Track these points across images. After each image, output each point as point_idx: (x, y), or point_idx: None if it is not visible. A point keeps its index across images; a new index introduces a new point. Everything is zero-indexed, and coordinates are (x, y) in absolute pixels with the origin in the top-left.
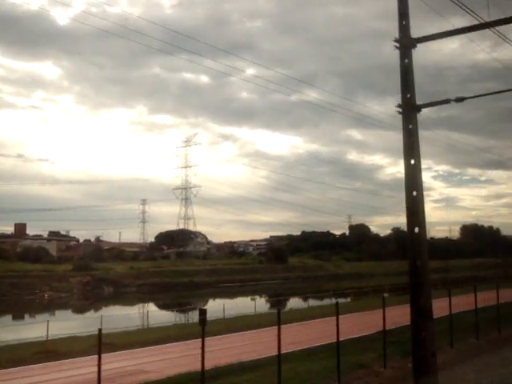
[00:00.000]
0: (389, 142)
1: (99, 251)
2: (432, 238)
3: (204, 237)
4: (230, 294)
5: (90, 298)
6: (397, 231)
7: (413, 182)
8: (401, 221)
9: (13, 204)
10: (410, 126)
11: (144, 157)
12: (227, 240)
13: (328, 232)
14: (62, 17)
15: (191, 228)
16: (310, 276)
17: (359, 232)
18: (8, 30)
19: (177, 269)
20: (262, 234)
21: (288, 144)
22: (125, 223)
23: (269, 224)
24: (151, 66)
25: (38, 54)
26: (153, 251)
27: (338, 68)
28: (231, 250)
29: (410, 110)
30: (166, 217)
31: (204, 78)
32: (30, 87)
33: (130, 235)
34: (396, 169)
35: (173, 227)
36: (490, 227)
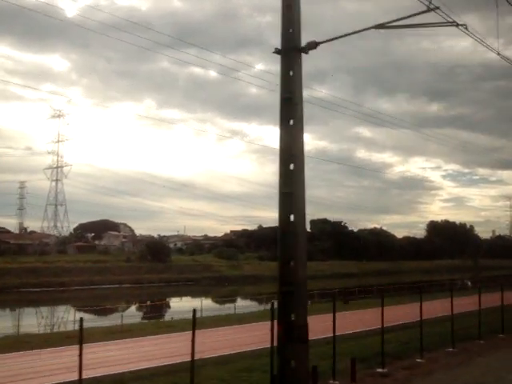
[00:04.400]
0: (398, 140)
1: None
2: (387, 236)
3: (130, 230)
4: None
5: None
6: (334, 226)
7: (290, 151)
8: (409, 220)
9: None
10: (291, 73)
11: (152, 151)
12: None
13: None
14: (70, 9)
15: (61, 213)
16: (181, 279)
17: (319, 227)
18: (16, 22)
19: None
20: None
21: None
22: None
23: (275, 221)
24: (160, 60)
25: (47, 46)
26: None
27: (347, 64)
28: None
29: (291, 50)
30: None
31: (213, 73)
32: (38, 80)
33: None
34: (405, 167)
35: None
36: (463, 225)
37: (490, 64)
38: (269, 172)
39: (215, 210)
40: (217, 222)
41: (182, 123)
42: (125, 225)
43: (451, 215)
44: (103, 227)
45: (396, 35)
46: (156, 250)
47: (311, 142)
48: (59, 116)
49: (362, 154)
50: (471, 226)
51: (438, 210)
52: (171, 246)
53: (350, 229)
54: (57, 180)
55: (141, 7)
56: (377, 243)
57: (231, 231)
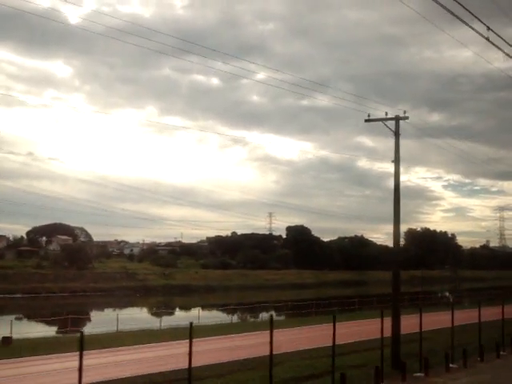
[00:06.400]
0: (400, 150)
1: None
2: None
3: (87, 234)
4: None
5: None
6: (296, 231)
7: None
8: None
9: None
10: None
11: (154, 158)
12: None
13: (271, 234)
14: (73, 15)
15: None
16: (90, 289)
17: (295, 234)
18: (20, 28)
19: None
20: None
21: (298, 149)
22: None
23: (276, 229)
24: (162, 67)
25: (50, 52)
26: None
27: (349, 72)
28: (103, 249)
29: None
30: None
31: (215, 81)
32: (41, 85)
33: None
34: (406, 177)
35: None
36: (444, 233)
37: (492, 74)
38: (269, 180)
39: (215, 217)
40: (216, 230)
41: (184, 130)
42: (81, 229)
43: (452, 225)
44: (55, 231)
45: (398, 44)
46: (74, 255)
47: (312, 151)
48: None
49: (363, 163)
50: (453, 235)
51: (439, 220)
52: (126, 252)
53: (316, 236)
54: None
55: (144, 14)
56: (345, 252)
57: (207, 238)
